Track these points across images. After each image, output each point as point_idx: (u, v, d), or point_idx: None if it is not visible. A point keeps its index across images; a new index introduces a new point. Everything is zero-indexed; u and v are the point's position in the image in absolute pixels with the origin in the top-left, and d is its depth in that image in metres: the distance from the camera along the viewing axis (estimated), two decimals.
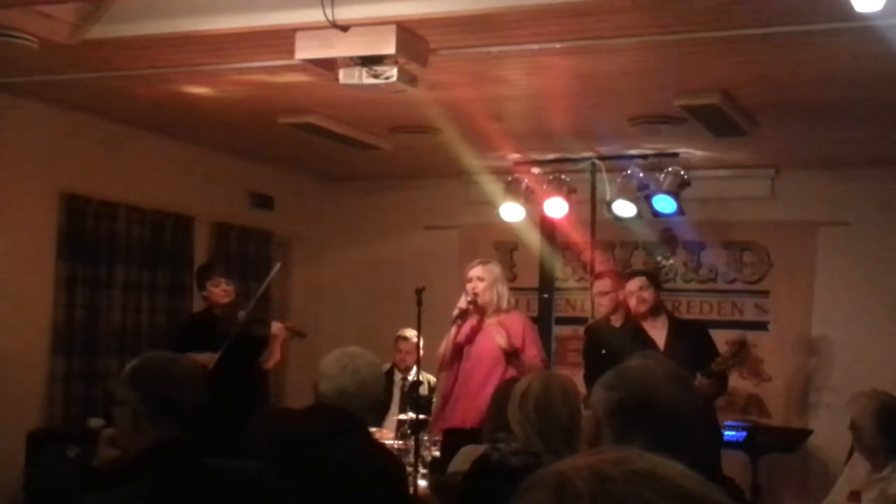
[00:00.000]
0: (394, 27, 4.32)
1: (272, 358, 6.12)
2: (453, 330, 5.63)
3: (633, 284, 5.89)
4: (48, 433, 6.07)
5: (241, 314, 6.04)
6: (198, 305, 7.27)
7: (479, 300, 5.59)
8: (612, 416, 2.08)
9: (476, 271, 5.64)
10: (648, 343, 5.66)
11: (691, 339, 5.72)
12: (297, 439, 3.14)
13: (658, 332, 5.78)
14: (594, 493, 0.85)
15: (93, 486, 2.49)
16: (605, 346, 6.08)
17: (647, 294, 5.81)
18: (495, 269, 5.74)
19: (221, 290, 6.14)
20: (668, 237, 7.88)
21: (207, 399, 2.55)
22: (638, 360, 2.49)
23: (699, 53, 4.81)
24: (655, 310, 5.84)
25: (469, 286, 5.62)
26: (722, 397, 6.15)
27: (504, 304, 5.70)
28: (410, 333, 6.82)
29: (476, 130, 6.54)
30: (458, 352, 5.63)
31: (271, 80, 5.48)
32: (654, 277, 6.08)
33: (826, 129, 6.43)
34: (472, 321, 5.65)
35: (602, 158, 7.21)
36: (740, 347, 5.56)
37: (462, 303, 5.64)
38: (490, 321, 5.63)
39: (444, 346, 5.67)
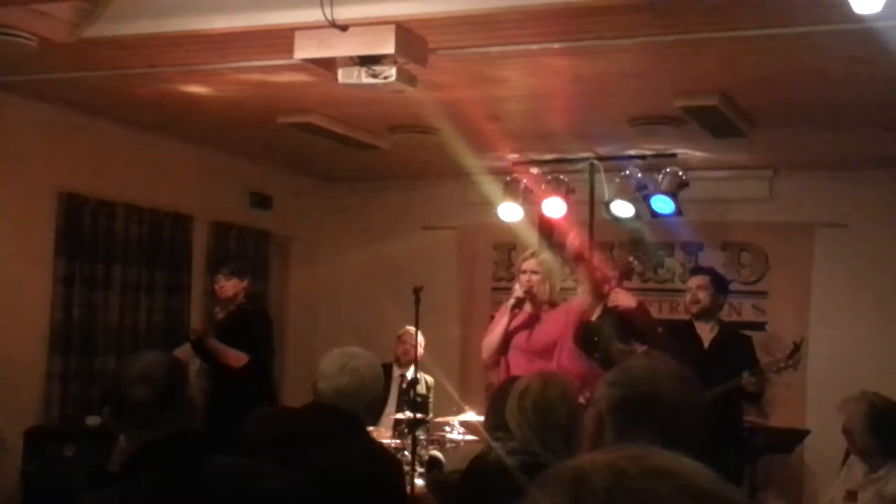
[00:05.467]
0: (393, 27, 4.32)
1: (222, 357, 6.10)
2: (505, 318, 5.43)
3: (693, 282, 5.84)
4: (45, 431, 6.07)
5: (217, 311, 6.11)
6: (196, 304, 7.34)
7: (535, 292, 5.41)
8: (613, 413, 2.09)
9: (530, 264, 5.45)
10: (695, 340, 5.68)
11: (736, 346, 5.73)
12: (295, 438, 3.13)
13: (706, 333, 5.75)
14: (610, 489, 0.84)
15: (101, 485, 2.49)
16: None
17: (702, 294, 5.73)
18: (548, 261, 5.55)
19: (219, 288, 6.31)
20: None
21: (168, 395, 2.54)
22: (642, 358, 2.50)
23: (698, 55, 4.82)
24: (709, 313, 5.76)
25: (523, 278, 5.43)
26: (759, 402, 6.14)
27: (556, 298, 5.54)
28: (414, 330, 6.84)
29: (475, 130, 6.53)
30: (507, 341, 5.45)
31: (270, 79, 5.48)
32: (718, 280, 5.94)
33: (824, 130, 6.43)
34: (523, 313, 5.47)
35: (601, 159, 7.20)
36: (795, 350, 5.55)
37: (518, 292, 5.44)
38: (552, 313, 5.48)
39: (492, 336, 5.46)
